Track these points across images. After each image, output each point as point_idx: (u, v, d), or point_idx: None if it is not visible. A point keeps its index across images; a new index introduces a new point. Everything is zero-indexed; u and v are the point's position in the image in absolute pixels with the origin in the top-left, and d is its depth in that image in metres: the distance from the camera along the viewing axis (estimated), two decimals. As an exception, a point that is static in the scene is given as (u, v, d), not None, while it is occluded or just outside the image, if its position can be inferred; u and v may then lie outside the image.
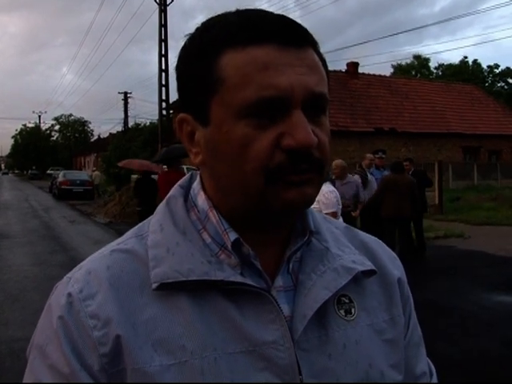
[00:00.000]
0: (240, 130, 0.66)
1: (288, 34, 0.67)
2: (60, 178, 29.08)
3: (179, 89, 0.74)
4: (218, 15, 0.72)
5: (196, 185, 0.79)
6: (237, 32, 0.67)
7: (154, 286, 0.68)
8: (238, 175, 0.67)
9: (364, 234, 0.89)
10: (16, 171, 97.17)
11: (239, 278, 0.69)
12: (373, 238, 0.90)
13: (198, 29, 0.72)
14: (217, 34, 0.68)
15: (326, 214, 5.34)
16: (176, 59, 0.74)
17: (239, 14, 0.70)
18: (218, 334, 0.67)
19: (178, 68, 0.73)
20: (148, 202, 9.86)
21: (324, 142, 0.69)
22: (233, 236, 0.71)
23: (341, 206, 6.26)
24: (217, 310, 0.68)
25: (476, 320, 5.84)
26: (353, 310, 0.76)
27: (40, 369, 0.68)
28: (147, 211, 9.33)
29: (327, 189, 5.90)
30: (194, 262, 0.69)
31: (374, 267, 0.79)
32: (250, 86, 0.65)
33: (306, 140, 0.65)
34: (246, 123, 0.65)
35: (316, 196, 0.71)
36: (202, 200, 0.76)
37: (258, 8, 0.72)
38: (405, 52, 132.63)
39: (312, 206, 0.75)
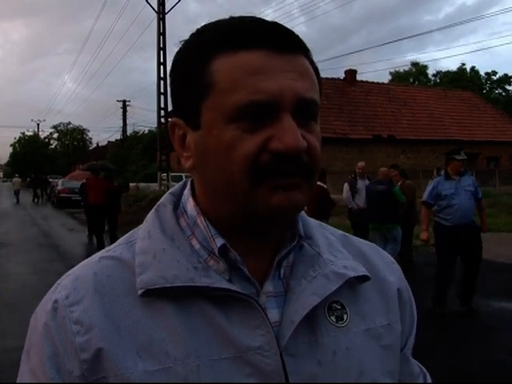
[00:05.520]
0: (229, 133, 0.66)
1: (279, 40, 0.67)
2: (59, 187, 29.04)
3: (172, 93, 0.75)
4: (212, 21, 0.73)
5: (186, 191, 0.79)
6: (228, 37, 0.68)
7: (140, 292, 0.68)
8: (225, 178, 0.68)
9: (360, 240, 0.89)
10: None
11: (225, 284, 0.69)
12: (369, 243, 0.89)
13: (192, 34, 0.73)
14: (209, 39, 0.69)
15: None
16: None
17: (232, 19, 0.71)
18: (203, 340, 0.67)
19: (171, 73, 0.74)
20: (85, 199, 13.01)
21: (314, 147, 0.69)
22: (219, 242, 0.71)
23: None
24: (203, 316, 0.68)
25: (477, 327, 5.82)
26: (345, 317, 0.75)
27: (24, 372, 0.71)
28: (84, 205, 13.80)
29: None
30: (179, 268, 0.69)
31: (366, 273, 0.78)
32: (240, 90, 0.65)
33: (295, 143, 0.65)
34: (235, 127, 0.66)
35: (305, 202, 0.70)
36: (190, 206, 0.76)
37: (256, 16, 0.72)
38: (407, 59, 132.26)
39: None
